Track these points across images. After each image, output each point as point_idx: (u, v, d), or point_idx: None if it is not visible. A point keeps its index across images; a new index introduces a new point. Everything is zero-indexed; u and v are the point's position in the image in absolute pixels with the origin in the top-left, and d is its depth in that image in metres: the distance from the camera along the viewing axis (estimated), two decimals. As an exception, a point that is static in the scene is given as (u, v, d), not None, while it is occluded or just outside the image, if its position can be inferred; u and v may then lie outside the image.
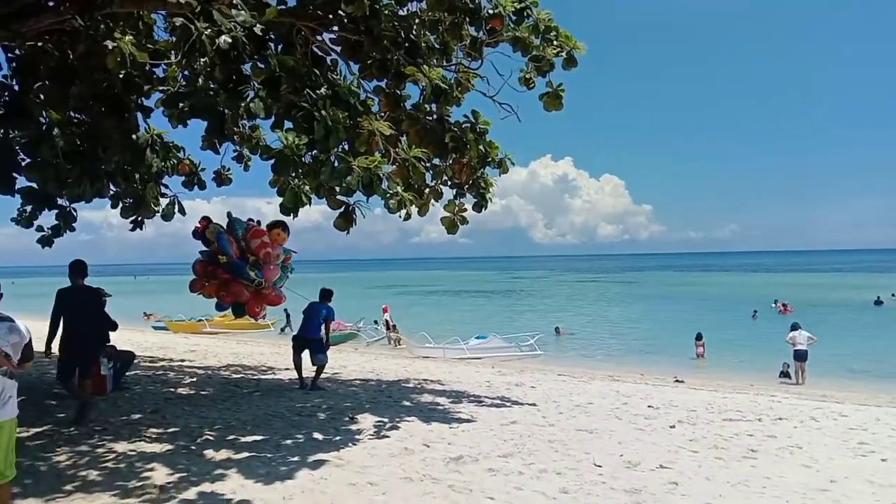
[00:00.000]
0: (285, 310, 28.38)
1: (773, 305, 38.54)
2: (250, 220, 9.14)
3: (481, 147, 8.64)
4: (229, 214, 8.92)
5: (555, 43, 8.08)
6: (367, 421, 8.50)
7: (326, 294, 11.36)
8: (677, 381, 15.77)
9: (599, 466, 6.53)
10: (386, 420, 8.54)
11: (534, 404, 10.06)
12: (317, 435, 7.74)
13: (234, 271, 8.52)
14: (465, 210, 8.79)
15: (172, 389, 10.74)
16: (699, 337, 23.46)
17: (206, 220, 9.01)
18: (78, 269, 8.28)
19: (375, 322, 29.18)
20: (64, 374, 8.21)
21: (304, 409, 9.24)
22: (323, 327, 10.92)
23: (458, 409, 9.50)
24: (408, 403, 9.89)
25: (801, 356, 17.58)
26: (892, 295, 44.32)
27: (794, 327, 18.22)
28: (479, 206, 9.39)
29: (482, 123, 8.47)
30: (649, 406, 10.12)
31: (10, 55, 8.85)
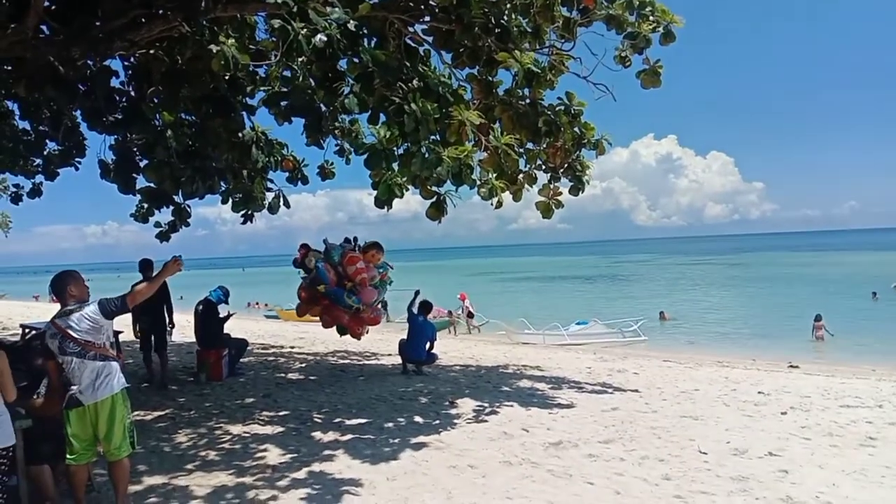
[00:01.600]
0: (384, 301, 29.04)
1: (894, 286, 35.75)
2: (346, 239, 9.44)
3: (576, 129, 8.52)
4: (326, 241, 9.26)
5: (650, 18, 7.84)
6: (466, 405, 8.63)
7: (427, 307, 11.59)
8: (791, 366, 14.97)
9: (704, 453, 6.36)
10: (485, 405, 8.64)
11: (636, 391, 9.88)
12: (418, 418, 7.94)
13: (333, 299, 8.91)
14: (561, 193, 8.71)
15: (283, 375, 11.29)
16: (818, 318, 22.21)
17: (305, 249, 9.43)
18: (144, 266, 9.39)
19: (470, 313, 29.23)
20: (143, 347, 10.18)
21: (405, 393, 9.48)
22: (428, 345, 11.27)
23: (557, 394, 9.47)
24: (507, 389, 9.95)
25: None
26: None
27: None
28: (577, 189, 9.26)
29: (576, 105, 8.34)
30: (759, 392, 9.71)
31: (125, 63, 9.54)
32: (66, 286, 4.71)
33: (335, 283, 8.84)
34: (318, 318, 9.63)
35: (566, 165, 9.03)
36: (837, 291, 37.04)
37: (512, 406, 8.59)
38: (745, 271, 66.10)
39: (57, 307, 4.78)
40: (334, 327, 9.42)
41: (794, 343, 20.92)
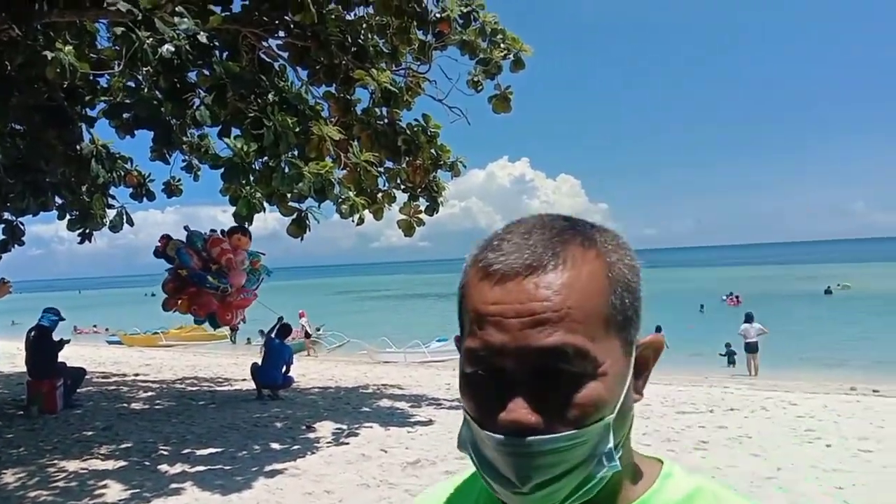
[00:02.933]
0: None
1: (724, 299, 39.27)
2: (212, 230, 9.10)
3: (433, 150, 8.68)
4: (187, 228, 8.88)
5: (501, 46, 8.16)
6: (325, 429, 8.44)
7: (286, 330, 11.30)
8: (635, 377, 16.02)
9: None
10: (344, 427, 8.50)
11: (493, 404, 10.12)
12: (273, 445, 7.67)
13: (197, 282, 8.49)
14: (421, 212, 8.82)
15: (125, 405, 10.51)
16: (658, 330, 24.08)
17: (165, 239, 8.99)
18: None
19: (318, 329, 28.81)
20: None
21: (260, 419, 9.13)
22: (284, 368, 10.96)
23: (416, 412, 9.50)
24: (366, 409, 9.85)
25: (751, 348, 17.97)
26: (838, 285, 45.72)
27: (748, 319, 18.54)
28: (431, 209, 9.40)
29: (433, 127, 8.51)
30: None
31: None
32: None
33: (200, 268, 8.45)
34: (185, 313, 9.17)
35: (424, 185, 9.16)
36: (675, 304, 40.18)
37: (371, 427, 8.51)
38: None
39: None
40: (206, 323, 8.98)
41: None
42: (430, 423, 8.70)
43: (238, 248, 8.94)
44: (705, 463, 6.62)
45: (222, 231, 9.21)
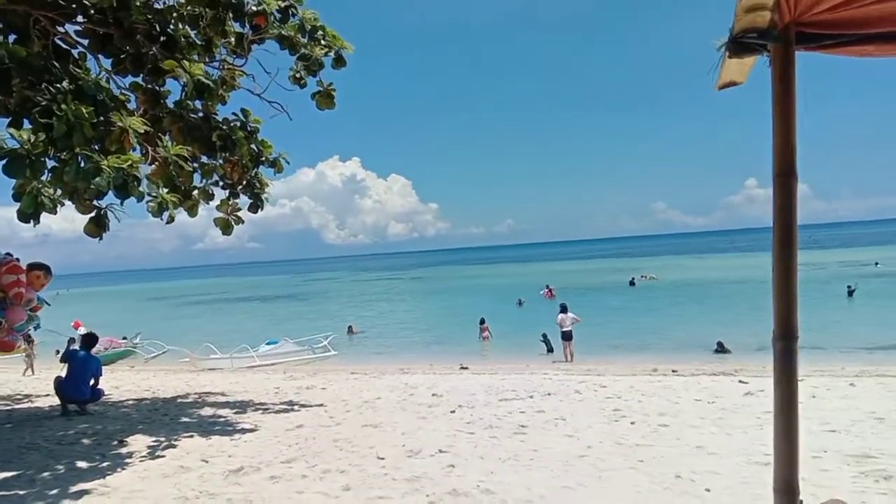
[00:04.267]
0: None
1: (541, 292, 41.66)
2: (8, 254, 8.16)
3: (253, 146, 8.40)
4: None
5: (323, 42, 8.07)
6: (138, 443, 7.88)
7: (91, 340, 10.39)
8: (462, 367, 16.56)
9: (382, 459, 6.66)
10: (161, 439, 7.99)
11: (322, 405, 10.01)
12: (80, 464, 7.03)
13: None
14: (240, 210, 8.49)
15: None
16: (482, 322, 25.31)
17: None
18: None
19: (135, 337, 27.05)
20: None
21: (65, 437, 8.34)
22: (92, 381, 10.07)
23: (241, 419, 9.16)
24: (186, 419, 9.33)
25: (566, 336, 19.27)
26: (642, 276, 50.32)
27: (563, 309, 19.80)
28: (256, 206, 9.11)
29: (252, 122, 8.24)
30: (434, 394, 10.52)
31: None
32: None
33: None
34: None
35: (244, 182, 8.84)
36: (497, 298, 42.01)
37: (191, 437, 8.07)
38: (424, 284, 71.64)
39: None
40: None
41: (465, 347, 23.21)
42: (255, 429, 8.42)
43: (32, 286, 8.12)
44: (524, 446, 6.99)
45: (18, 260, 8.31)
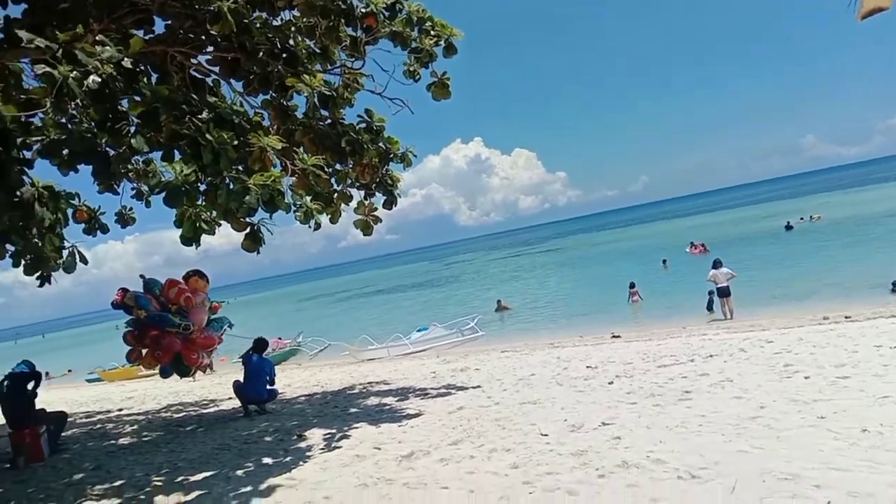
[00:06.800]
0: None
1: (687, 250, 39.72)
2: (142, 276, 9.12)
3: (381, 145, 8.64)
4: (143, 277, 8.84)
5: (432, 33, 8.13)
6: (315, 436, 8.43)
7: (262, 344, 11.18)
8: (614, 336, 16.24)
9: (545, 435, 6.69)
10: (334, 431, 8.49)
11: (478, 386, 10.19)
12: (266, 460, 7.63)
13: (158, 322, 8.42)
14: (376, 210, 8.78)
15: (113, 441, 10.35)
16: (632, 285, 24.64)
17: (122, 291, 8.97)
18: None
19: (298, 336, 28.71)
20: None
21: (250, 436, 9.07)
22: (268, 383, 10.86)
23: (405, 405, 9.54)
24: (355, 410, 9.85)
25: (723, 292, 18.27)
26: (801, 218, 46.64)
27: (716, 265, 18.78)
28: (390, 202, 9.38)
29: (377, 121, 8.46)
30: (588, 367, 10.41)
31: None
32: None
33: (158, 310, 8.42)
34: (150, 366, 9.10)
35: (377, 181, 9.12)
36: (640, 261, 40.65)
37: (361, 426, 8.52)
38: (561, 255, 70.73)
39: None
40: (174, 374, 8.92)
41: (613, 315, 22.70)
42: (419, 414, 8.74)
43: (196, 290, 8.93)
44: (691, 412, 6.76)
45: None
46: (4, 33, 7.14)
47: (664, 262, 35.69)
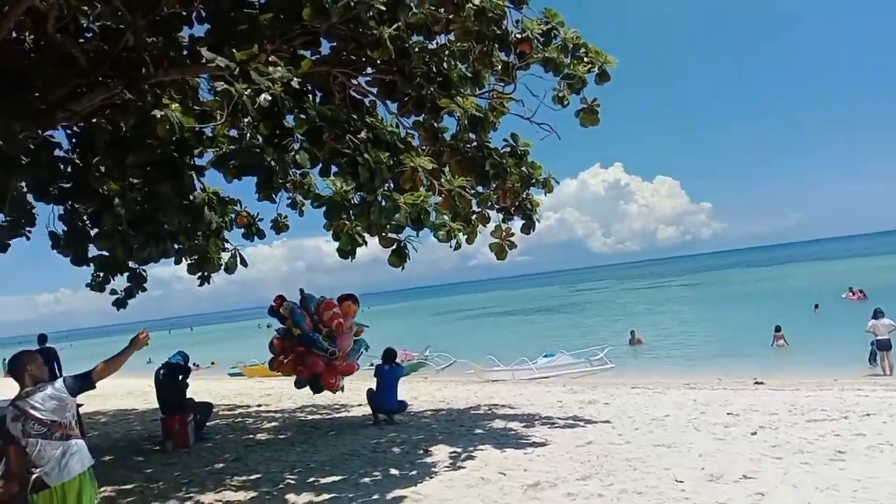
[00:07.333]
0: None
1: (844, 295, 36.55)
2: (322, 297, 9.60)
3: (524, 169, 8.68)
4: (301, 291, 9.43)
5: (585, 60, 8.08)
6: (441, 452, 8.51)
7: (392, 354, 11.47)
8: (757, 382, 15.19)
9: (681, 482, 6.37)
10: (460, 450, 8.53)
11: (608, 421, 9.89)
12: (393, 471, 7.79)
13: (308, 343, 8.91)
14: (513, 234, 8.79)
15: (252, 436, 10.99)
16: (778, 329, 23.06)
17: (280, 299, 9.57)
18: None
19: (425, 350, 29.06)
20: None
21: (378, 445, 9.31)
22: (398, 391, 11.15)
23: (531, 432, 9.43)
24: (480, 431, 9.86)
25: (883, 345, 16.65)
26: None
27: (876, 315, 17.20)
28: (528, 227, 9.38)
29: (522, 146, 8.51)
30: (729, 413, 9.81)
31: (69, 132, 9.43)
32: (24, 367, 4.57)
33: (311, 329, 8.90)
34: (288, 374, 9.58)
35: (517, 205, 9.15)
36: (789, 304, 37.86)
37: (486, 449, 8.50)
38: (700, 291, 67.26)
39: (10, 382, 4.63)
40: (307, 386, 9.37)
41: (756, 358, 21.26)
42: (545, 443, 8.60)
43: (347, 315, 9.36)
44: (844, 475, 6.20)
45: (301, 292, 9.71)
46: (188, 50, 7.88)
47: (816, 306, 33.02)
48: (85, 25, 8.06)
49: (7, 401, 4.71)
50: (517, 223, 9.48)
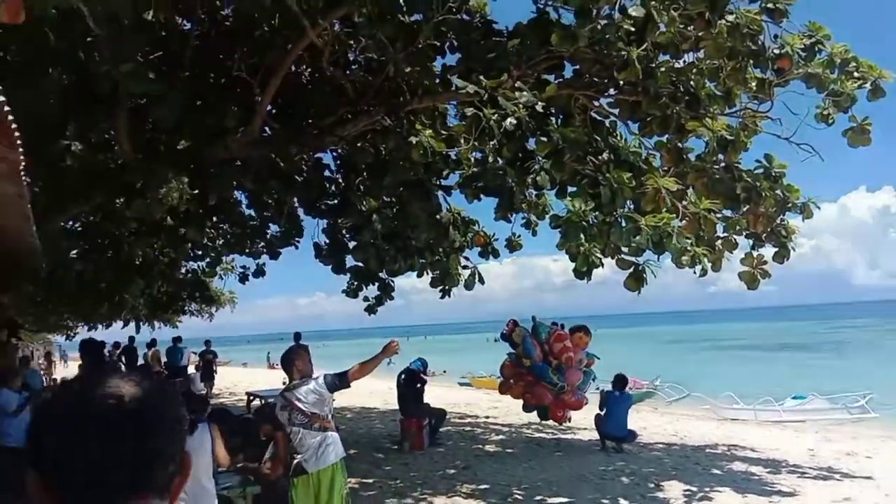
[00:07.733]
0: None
1: None
2: (554, 323, 9.74)
3: (779, 192, 8.02)
4: (534, 318, 9.62)
5: (855, 75, 7.27)
6: (674, 489, 8.11)
7: (623, 381, 11.19)
8: None
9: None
10: (695, 489, 8.06)
11: (870, 478, 8.70)
12: (623, 502, 7.59)
13: (537, 374, 9.09)
14: (766, 263, 8.15)
15: (480, 446, 11.36)
16: None
17: (513, 323, 9.93)
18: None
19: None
20: None
21: (606, 472, 9.12)
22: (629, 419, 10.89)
23: (777, 480, 8.61)
24: (718, 472, 9.22)
25: None
26: None
27: None
28: (781, 255, 8.62)
29: (777, 167, 7.88)
30: None
31: (334, 155, 10.64)
32: (292, 361, 5.22)
33: (541, 360, 9.04)
34: (516, 398, 9.79)
35: (769, 231, 8.47)
36: None
37: (725, 491, 7.94)
38: None
39: (273, 374, 5.34)
40: (535, 412, 9.52)
41: None
42: (793, 494, 7.81)
43: (578, 347, 9.36)
44: None
45: (562, 327, 9.75)
46: (440, 78, 8.47)
47: None
48: (352, 59, 9.06)
49: (273, 391, 5.43)
50: (768, 250, 8.78)
